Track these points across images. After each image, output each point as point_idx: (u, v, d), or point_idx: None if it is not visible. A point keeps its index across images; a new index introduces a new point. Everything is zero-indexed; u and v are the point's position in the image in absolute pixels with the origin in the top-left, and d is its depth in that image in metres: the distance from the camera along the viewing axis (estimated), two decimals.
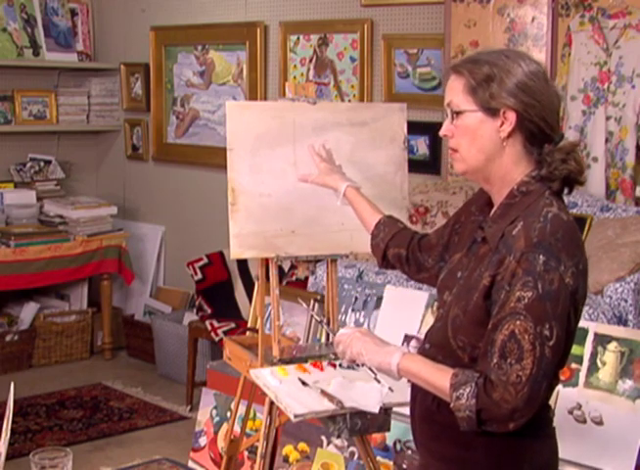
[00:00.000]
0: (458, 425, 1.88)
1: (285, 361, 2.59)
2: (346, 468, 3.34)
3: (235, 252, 2.59)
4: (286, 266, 4.81)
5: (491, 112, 1.89)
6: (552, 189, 1.91)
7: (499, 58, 1.91)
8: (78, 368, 5.80)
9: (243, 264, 5.22)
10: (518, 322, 1.79)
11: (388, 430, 2.36)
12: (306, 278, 4.11)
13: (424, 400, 2.03)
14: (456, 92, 1.93)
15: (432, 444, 2.03)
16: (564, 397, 2.91)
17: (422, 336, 3.10)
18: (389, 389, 2.24)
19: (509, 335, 1.79)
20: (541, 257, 1.79)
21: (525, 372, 1.78)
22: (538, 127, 1.89)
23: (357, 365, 2.23)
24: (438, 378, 1.90)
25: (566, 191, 1.98)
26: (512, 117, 1.87)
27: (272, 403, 2.65)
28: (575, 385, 2.96)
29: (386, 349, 2.02)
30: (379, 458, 3.13)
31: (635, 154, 3.98)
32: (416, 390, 2.06)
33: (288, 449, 3.52)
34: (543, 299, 1.78)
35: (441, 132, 1.99)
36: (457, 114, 1.93)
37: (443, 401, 1.93)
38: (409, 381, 2.05)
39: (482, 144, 1.91)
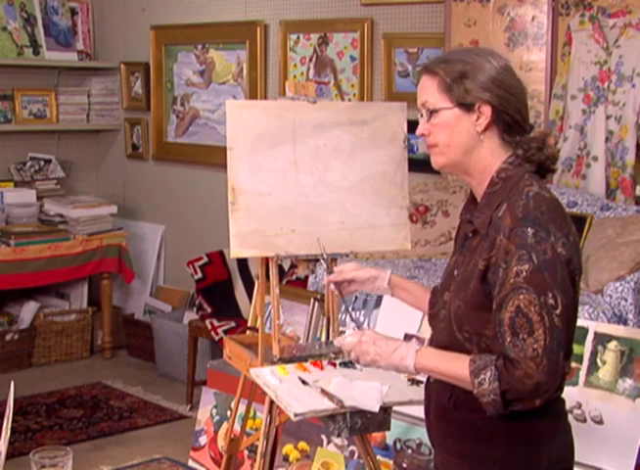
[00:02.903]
0: (475, 422, 1.91)
1: (285, 360, 2.59)
2: (346, 467, 3.34)
3: (235, 251, 2.59)
4: (286, 265, 4.81)
5: (467, 107, 1.95)
6: (530, 171, 1.97)
7: (470, 56, 1.98)
8: (78, 367, 5.80)
9: (243, 263, 5.22)
10: (521, 296, 1.81)
11: (389, 429, 2.36)
12: (306, 277, 4.11)
13: (439, 400, 2.03)
14: (431, 91, 1.99)
15: (449, 441, 2.04)
16: (564, 396, 2.91)
17: (422, 335, 3.10)
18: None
19: (515, 311, 1.82)
20: (529, 229, 1.83)
21: (539, 344, 1.80)
22: (513, 119, 1.96)
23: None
24: (457, 368, 1.91)
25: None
26: (487, 110, 1.94)
27: (272, 402, 2.65)
28: (575, 384, 2.96)
29: (398, 351, 2.01)
30: (379, 457, 3.13)
31: (635, 153, 3.98)
32: (430, 389, 2.07)
33: (288, 448, 3.53)
34: (540, 269, 1.81)
35: (418, 132, 2.04)
36: (433, 112, 1.98)
37: (460, 399, 1.95)
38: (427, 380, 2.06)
39: (460, 139, 1.97)
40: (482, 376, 1.85)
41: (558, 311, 1.81)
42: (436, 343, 2.06)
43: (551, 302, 1.81)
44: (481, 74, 1.94)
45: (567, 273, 1.85)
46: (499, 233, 1.87)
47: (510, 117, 1.96)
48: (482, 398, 1.85)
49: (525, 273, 1.81)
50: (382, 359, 2.03)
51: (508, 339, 1.83)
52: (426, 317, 2.33)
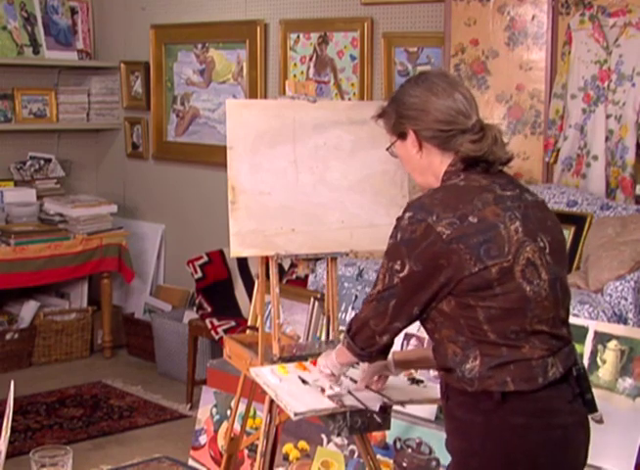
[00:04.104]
0: (460, 417, 1.99)
1: (285, 360, 2.59)
2: (346, 466, 3.34)
3: (235, 250, 2.59)
4: (286, 265, 4.81)
5: (401, 135, 2.17)
6: (466, 169, 2.09)
7: (398, 91, 2.20)
8: (78, 367, 5.80)
9: (243, 263, 5.22)
10: (380, 263, 2.08)
11: (388, 428, 2.36)
12: (306, 276, 4.11)
13: (442, 396, 2.10)
14: (386, 132, 2.24)
15: (448, 437, 2.10)
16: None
17: (422, 334, 3.10)
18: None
19: (376, 274, 2.11)
20: (407, 213, 2.04)
21: (374, 291, 2.08)
22: (433, 130, 2.11)
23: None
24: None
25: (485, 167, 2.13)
26: (411, 133, 2.14)
27: (272, 402, 2.65)
28: None
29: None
30: (379, 457, 3.13)
31: (635, 152, 3.98)
32: (441, 389, 2.12)
33: (288, 448, 3.53)
34: (399, 244, 2.03)
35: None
36: (392, 149, 2.22)
37: (451, 395, 2.02)
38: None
39: (410, 163, 2.20)
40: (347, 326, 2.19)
41: (401, 275, 2.01)
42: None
43: (397, 267, 2.02)
44: (399, 106, 2.16)
45: (439, 248, 1.96)
46: None
47: (430, 130, 2.11)
48: (344, 344, 2.20)
49: (387, 247, 2.06)
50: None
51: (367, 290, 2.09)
52: None
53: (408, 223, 2.02)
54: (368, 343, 2.13)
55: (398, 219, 2.06)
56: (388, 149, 2.24)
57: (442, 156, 2.12)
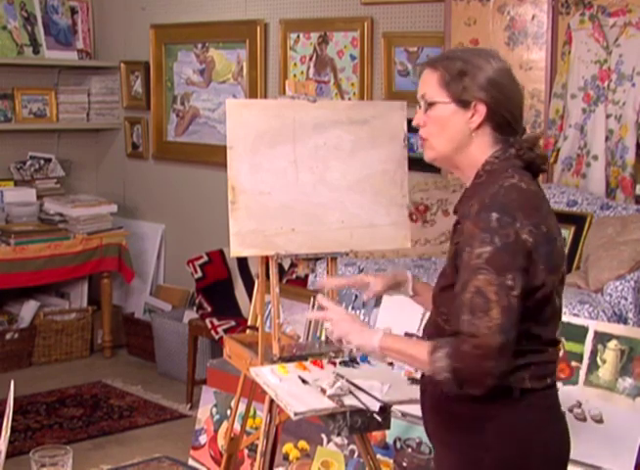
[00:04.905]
0: (467, 413, 1.97)
1: (285, 359, 2.59)
2: (346, 466, 3.34)
3: (235, 250, 2.59)
4: (286, 264, 4.81)
5: (463, 104, 2.02)
6: (516, 166, 2.02)
7: (471, 55, 2.05)
8: (78, 366, 5.80)
9: (243, 262, 5.22)
10: (481, 276, 1.87)
11: (388, 428, 2.36)
12: (306, 276, 4.11)
13: (433, 393, 2.07)
14: (430, 85, 2.06)
15: (443, 433, 2.08)
16: (564, 395, 2.90)
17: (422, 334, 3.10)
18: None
19: (475, 291, 1.87)
20: (494, 214, 1.89)
21: (494, 322, 1.84)
22: (505, 119, 2.03)
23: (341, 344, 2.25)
24: (417, 350, 1.97)
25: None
26: (482, 109, 2.01)
27: (272, 401, 2.65)
28: (575, 383, 2.96)
29: (369, 330, 2.13)
30: (379, 456, 3.13)
31: (635, 152, 3.98)
32: (425, 383, 2.10)
33: (288, 447, 3.53)
34: (501, 251, 1.86)
35: (414, 122, 2.11)
36: (430, 104, 2.05)
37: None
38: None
39: (453, 134, 2.04)
40: (438, 354, 1.90)
41: (515, 293, 1.86)
42: (426, 332, 2.13)
43: (509, 283, 1.86)
44: (480, 74, 2.01)
45: (529, 260, 1.89)
46: (467, 218, 1.95)
47: (502, 117, 2.02)
48: (438, 376, 1.91)
49: (486, 254, 1.87)
50: (351, 334, 2.13)
51: (465, 317, 1.88)
52: (425, 316, 2.34)
53: (499, 226, 1.88)
54: (481, 381, 1.90)
55: (483, 220, 1.89)
56: (426, 103, 2.05)
57: (489, 146, 2.03)
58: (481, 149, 2.04)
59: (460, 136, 2.04)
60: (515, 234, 1.88)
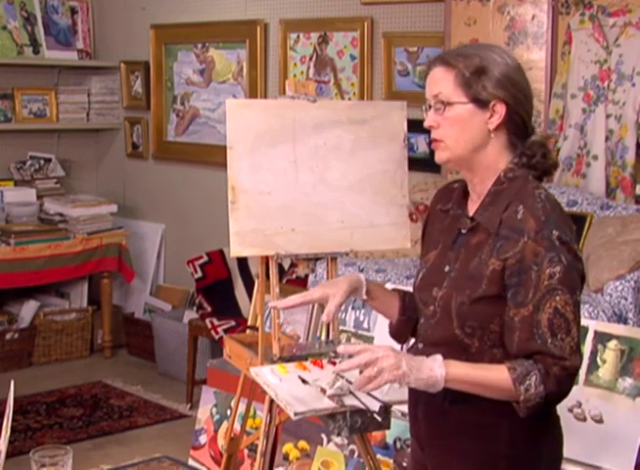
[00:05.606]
0: (475, 420, 1.95)
1: (285, 359, 2.59)
2: (347, 466, 3.34)
3: (235, 250, 2.59)
4: (286, 264, 4.81)
5: (481, 104, 1.94)
6: (533, 175, 2.01)
7: (485, 52, 1.97)
8: (78, 366, 5.80)
9: (243, 262, 5.22)
10: (557, 297, 1.87)
11: (389, 428, 2.35)
12: (306, 276, 4.11)
13: (431, 401, 2.02)
14: (446, 84, 1.96)
15: (447, 441, 2.05)
16: None
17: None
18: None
19: (553, 312, 1.87)
20: (554, 232, 1.87)
21: (575, 341, 1.88)
22: (522, 119, 1.97)
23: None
24: (494, 377, 1.89)
25: None
26: (501, 109, 1.94)
27: (272, 401, 2.65)
28: (575, 383, 2.94)
29: (425, 362, 1.91)
30: (379, 456, 3.13)
31: (635, 152, 3.98)
32: (417, 392, 2.02)
33: (288, 447, 3.52)
34: (569, 269, 1.88)
35: (426, 124, 2.01)
36: (447, 105, 1.95)
37: (458, 398, 1.95)
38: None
39: (471, 135, 1.96)
40: (528, 382, 1.86)
41: (579, 307, 1.91)
42: (428, 339, 2.06)
43: (579, 299, 1.90)
44: (498, 72, 1.94)
45: (582, 269, 1.93)
46: (522, 235, 1.89)
47: (520, 117, 1.96)
48: (528, 402, 1.87)
49: (558, 274, 1.86)
50: (411, 373, 1.89)
51: (549, 340, 1.86)
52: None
53: (561, 243, 1.87)
54: (563, 399, 1.95)
55: (546, 239, 1.86)
56: (441, 103, 1.95)
57: (505, 148, 1.98)
58: (498, 151, 1.98)
59: (478, 137, 1.96)
60: (573, 249, 1.89)
